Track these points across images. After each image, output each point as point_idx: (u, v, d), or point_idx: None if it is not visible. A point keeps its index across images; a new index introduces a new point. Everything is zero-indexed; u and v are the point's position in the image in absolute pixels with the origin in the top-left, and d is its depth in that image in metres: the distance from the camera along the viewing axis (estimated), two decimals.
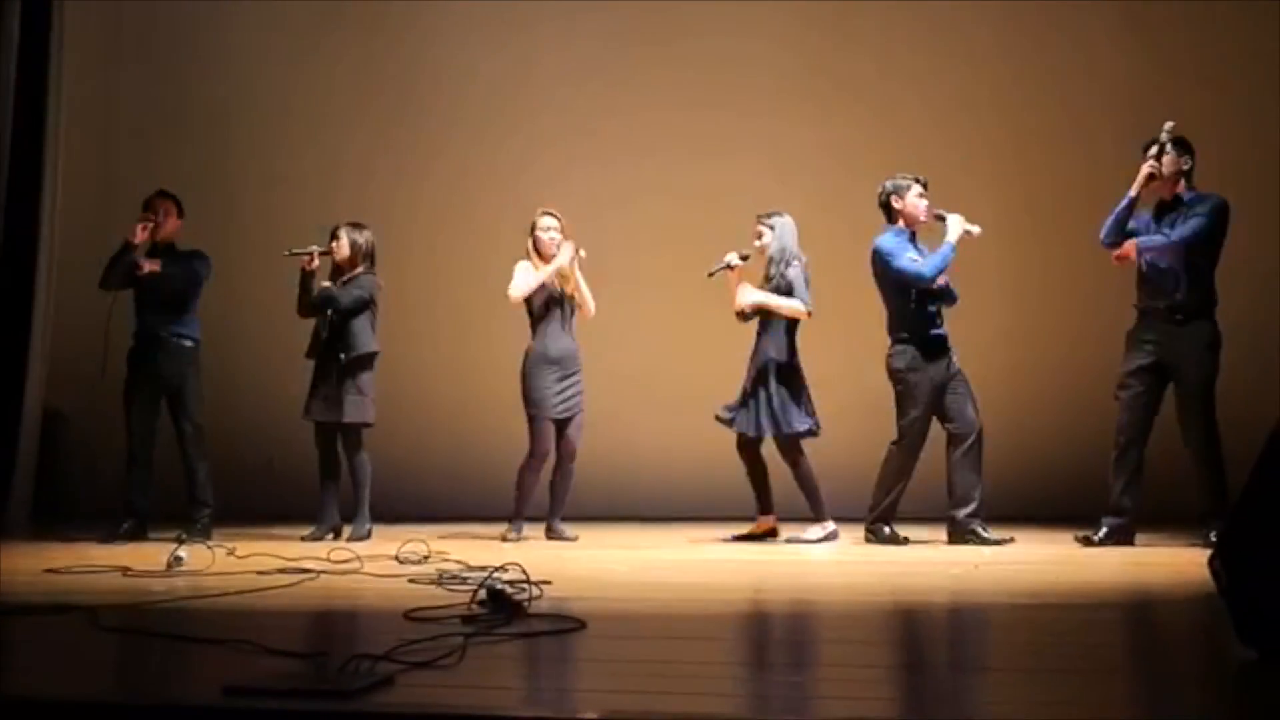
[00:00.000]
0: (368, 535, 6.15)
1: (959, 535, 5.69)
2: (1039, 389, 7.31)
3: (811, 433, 6.02)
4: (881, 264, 5.85)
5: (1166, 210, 5.68)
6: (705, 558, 5.42)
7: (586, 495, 6.51)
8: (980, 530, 5.68)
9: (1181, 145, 5.64)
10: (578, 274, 6.28)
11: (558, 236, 6.26)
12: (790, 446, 6.00)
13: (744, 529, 6.25)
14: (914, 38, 8.07)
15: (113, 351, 6.35)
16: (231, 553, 4.96)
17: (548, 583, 3.83)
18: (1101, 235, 5.67)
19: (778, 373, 6.00)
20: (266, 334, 7.43)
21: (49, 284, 7.65)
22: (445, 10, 8.48)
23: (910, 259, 5.79)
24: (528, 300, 6.23)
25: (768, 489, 6.17)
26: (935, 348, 5.84)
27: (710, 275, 6.22)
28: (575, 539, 6.14)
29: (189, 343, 6.27)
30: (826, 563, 5.33)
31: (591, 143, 8.16)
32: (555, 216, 6.32)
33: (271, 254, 7.56)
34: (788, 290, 6.05)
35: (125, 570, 4.50)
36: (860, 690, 2.53)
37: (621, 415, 7.21)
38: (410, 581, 4.17)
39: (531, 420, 6.16)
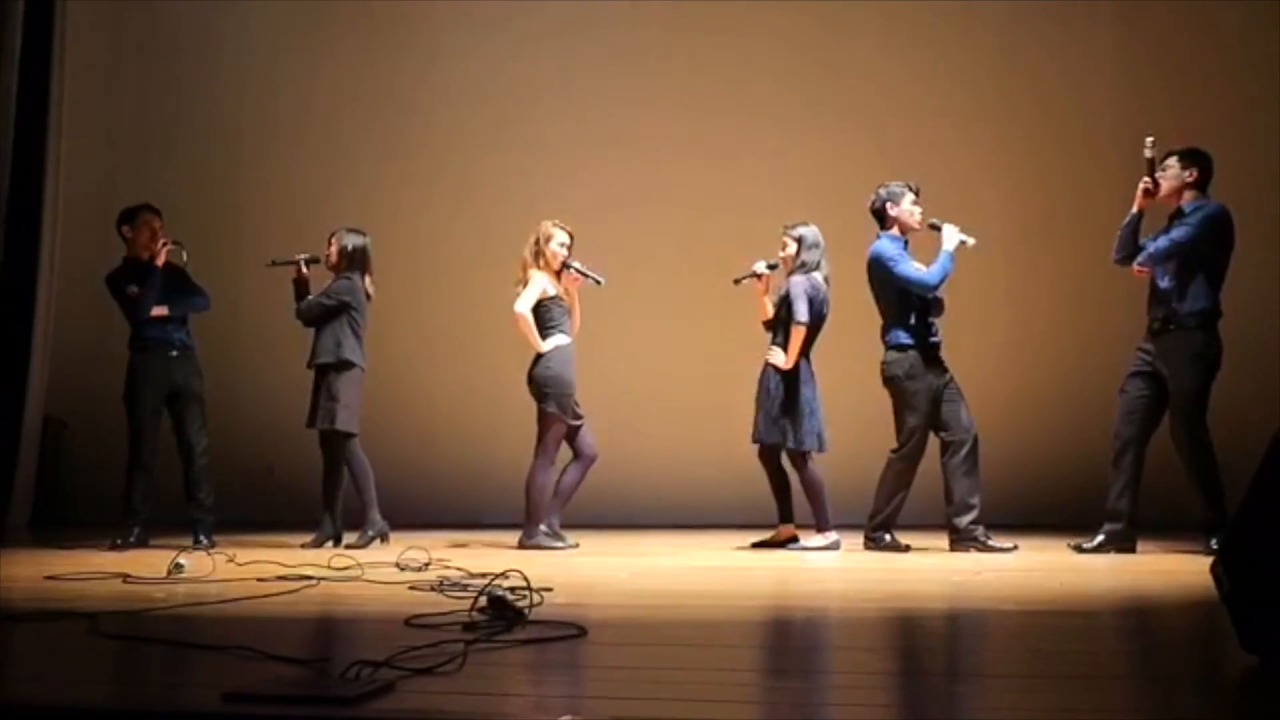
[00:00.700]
0: (373, 539, 6.13)
1: (961, 543, 5.69)
2: (1044, 398, 7.32)
3: (814, 450, 6.02)
4: (883, 270, 5.84)
5: (1172, 221, 5.69)
6: (706, 565, 5.41)
7: (587, 502, 6.50)
8: (983, 538, 5.67)
9: (1189, 156, 5.65)
10: (575, 291, 6.27)
11: (567, 253, 6.23)
12: (796, 455, 6.00)
13: (753, 536, 6.25)
14: (918, 46, 8.09)
15: (113, 357, 6.36)
16: (232, 559, 4.95)
17: (549, 589, 3.82)
18: (1112, 253, 5.68)
19: (790, 384, 5.99)
20: (267, 342, 7.44)
21: (50, 293, 7.67)
22: (448, 20, 8.50)
23: (915, 266, 5.80)
24: (544, 306, 6.17)
25: (788, 497, 6.17)
26: (933, 355, 5.84)
27: (737, 283, 6.22)
28: (576, 545, 6.13)
29: (192, 349, 6.28)
30: (828, 570, 5.32)
31: (595, 152, 8.18)
32: (568, 232, 6.27)
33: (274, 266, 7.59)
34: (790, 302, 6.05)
35: (125, 577, 4.49)
36: (861, 697, 2.53)
37: (624, 422, 7.21)
38: (411, 588, 4.16)
39: (554, 420, 6.12)
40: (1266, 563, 2.63)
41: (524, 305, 6.09)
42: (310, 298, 6.28)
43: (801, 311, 5.98)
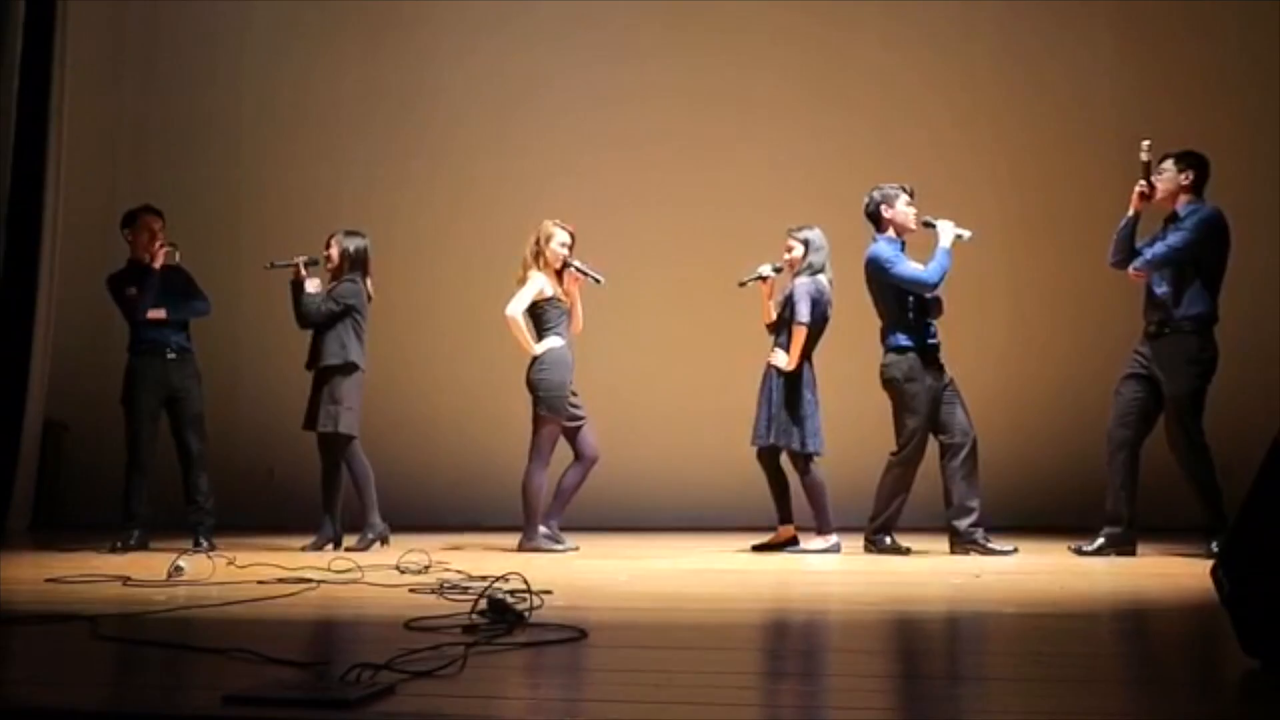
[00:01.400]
0: (373, 541, 6.13)
1: (961, 546, 5.69)
2: (1044, 400, 7.33)
3: (817, 452, 6.02)
4: (879, 272, 5.84)
5: (1168, 225, 5.69)
6: (707, 567, 5.41)
7: (587, 504, 6.50)
8: (983, 541, 5.67)
9: (1185, 159, 5.64)
10: (576, 291, 6.27)
11: (568, 253, 6.23)
12: (800, 457, 6.00)
13: (753, 539, 6.26)
14: (919, 45, 8.11)
15: (113, 360, 6.37)
16: (231, 562, 4.95)
17: (548, 592, 3.82)
18: (1108, 256, 5.67)
19: (793, 386, 5.99)
20: (267, 344, 7.45)
21: (50, 296, 7.68)
22: (447, 21, 8.51)
23: (913, 265, 5.80)
24: (542, 307, 6.18)
25: (788, 498, 6.17)
26: (932, 357, 5.84)
27: (743, 285, 6.22)
28: (576, 548, 6.13)
29: (191, 353, 6.28)
30: (828, 573, 5.32)
31: (595, 151, 8.19)
32: (569, 232, 6.28)
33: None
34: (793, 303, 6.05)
35: (125, 580, 4.50)
36: (861, 700, 2.53)
37: (624, 424, 7.21)
38: (411, 591, 4.16)
39: (547, 422, 6.13)
40: (1267, 566, 2.63)
41: (515, 309, 6.09)
42: (313, 299, 6.27)
43: (804, 313, 5.98)
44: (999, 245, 7.18)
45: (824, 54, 8.18)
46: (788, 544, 6.12)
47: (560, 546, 6.09)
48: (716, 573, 5.22)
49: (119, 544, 6.00)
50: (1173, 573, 4.90)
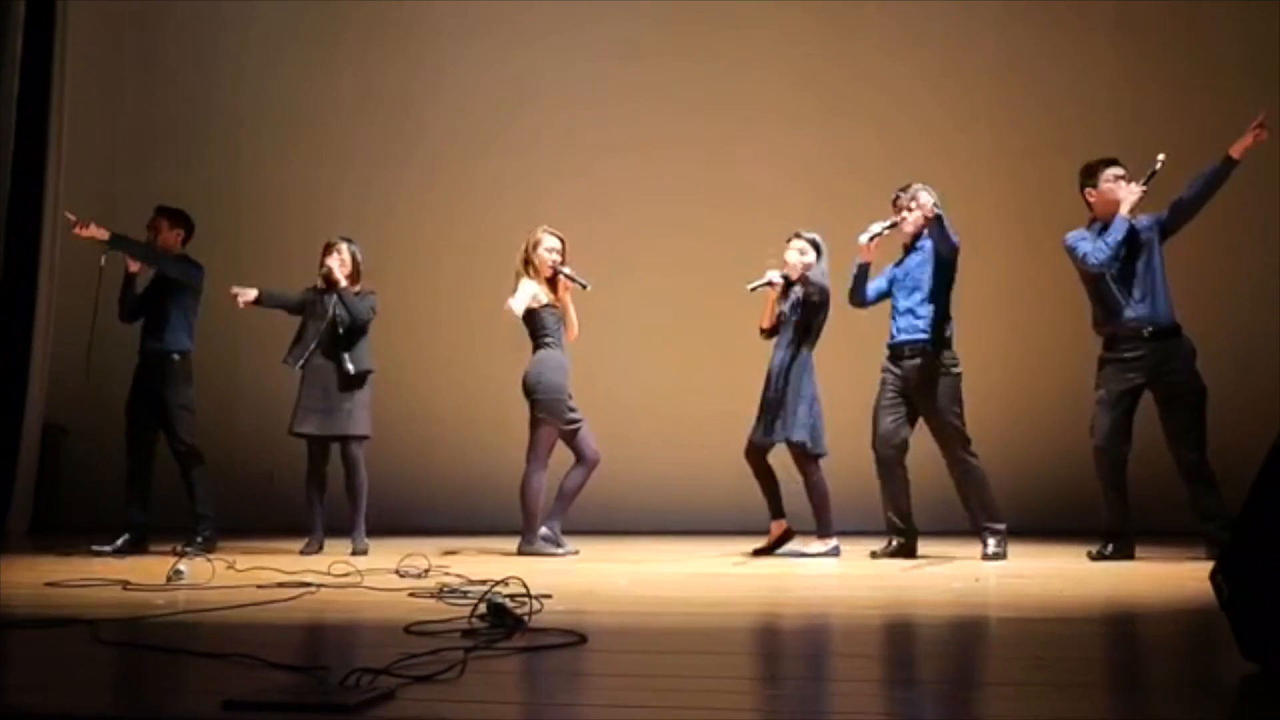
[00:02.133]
0: (366, 550, 6.14)
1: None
2: (1040, 404, 7.32)
3: (824, 453, 6.03)
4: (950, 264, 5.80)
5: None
6: (706, 571, 5.41)
7: (586, 508, 6.50)
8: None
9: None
10: (568, 298, 6.29)
11: (558, 259, 6.25)
12: (806, 458, 6.00)
13: (752, 542, 6.26)
14: (918, 47, 8.12)
15: (113, 363, 6.37)
16: (231, 566, 4.96)
17: (548, 596, 3.82)
18: (1104, 260, 5.63)
19: (797, 385, 5.99)
20: (266, 347, 7.43)
21: (50, 300, 7.68)
22: (444, 23, 8.53)
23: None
24: (538, 315, 6.20)
25: (778, 494, 6.17)
26: None
27: (752, 290, 6.21)
28: (576, 552, 6.14)
29: (175, 355, 6.27)
30: (827, 577, 5.32)
31: (593, 154, 8.20)
32: (558, 238, 6.30)
33: (274, 267, 7.59)
34: (814, 303, 6.04)
35: (125, 584, 4.49)
36: (861, 705, 2.53)
37: (623, 427, 7.21)
38: (410, 595, 4.17)
39: (544, 425, 6.13)
40: (1267, 570, 2.63)
41: (516, 305, 6.13)
42: (354, 304, 6.29)
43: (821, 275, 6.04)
44: (998, 247, 7.18)
45: (824, 56, 8.19)
46: (783, 538, 6.12)
47: (560, 550, 6.09)
48: (717, 576, 5.22)
49: (92, 547, 6.01)
50: (1171, 576, 4.90)
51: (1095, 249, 5.57)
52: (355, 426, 6.26)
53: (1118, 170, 5.68)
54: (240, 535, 6.63)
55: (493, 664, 2.84)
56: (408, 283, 7.78)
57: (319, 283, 6.42)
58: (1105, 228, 5.62)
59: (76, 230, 6.12)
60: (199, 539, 6.08)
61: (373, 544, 6.22)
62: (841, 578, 5.28)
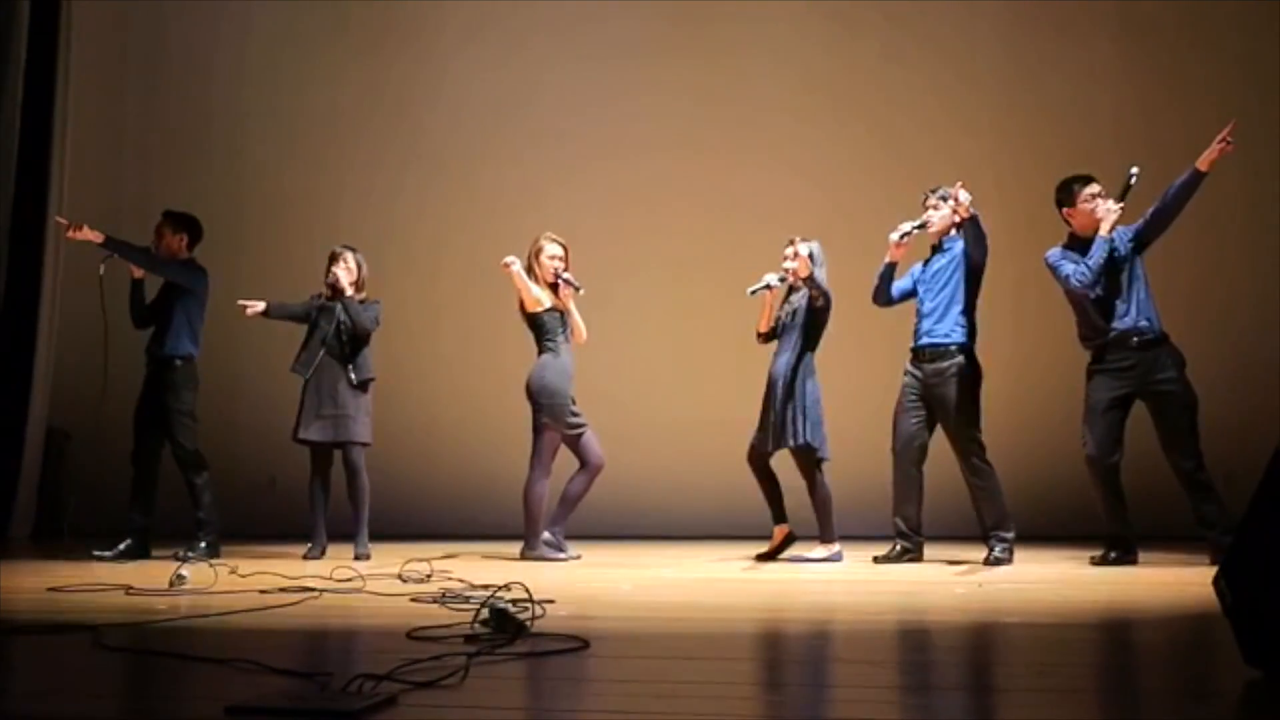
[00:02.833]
0: (368, 555, 6.14)
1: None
2: (1044, 409, 7.31)
3: (827, 459, 6.02)
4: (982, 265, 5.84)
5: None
6: (709, 576, 5.41)
7: (589, 513, 6.50)
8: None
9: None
10: (571, 304, 6.29)
11: (560, 265, 6.26)
12: (810, 463, 5.99)
13: (754, 547, 6.25)
14: (920, 56, 8.13)
15: (117, 368, 6.39)
16: (234, 571, 4.96)
17: (551, 601, 3.82)
18: (1088, 282, 5.61)
19: (800, 390, 5.99)
20: (269, 352, 7.44)
21: (53, 305, 7.69)
22: (446, 26, 8.54)
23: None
24: (540, 317, 6.21)
25: (780, 498, 6.17)
26: None
27: (752, 293, 6.21)
28: (578, 557, 6.14)
29: (177, 361, 6.27)
30: (830, 582, 5.31)
31: (594, 159, 8.21)
32: (561, 244, 6.31)
33: (276, 272, 7.60)
34: (819, 309, 6.05)
35: (128, 589, 4.50)
36: (865, 711, 2.52)
37: (625, 432, 7.20)
38: (413, 600, 4.17)
39: (547, 430, 6.14)
40: (1270, 575, 2.63)
41: (537, 293, 6.18)
42: (361, 313, 6.34)
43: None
44: (1003, 252, 7.14)
45: (828, 60, 8.19)
46: (785, 543, 6.12)
47: (563, 555, 6.09)
48: (719, 582, 5.22)
49: (95, 553, 6.02)
50: (1174, 582, 4.90)
51: (1077, 271, 5.58)
52: (357, 433, 6.29)
53: (1094, 188, 5.69)
54: (243, 540, 6.63)
55: (495, 669, 2.84)
56: (409, 287, 7.78)
57: (325, 291, 6.43)
58: (1085, 244, 5.62)
59: (70, 234, 6.14)
60: (201, 544, 6.09)
61: (375, 549, 6.22)
62: (844, 583, 5.27)
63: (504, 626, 3.29)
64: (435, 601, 4.06)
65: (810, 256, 6.11)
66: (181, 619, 3.79)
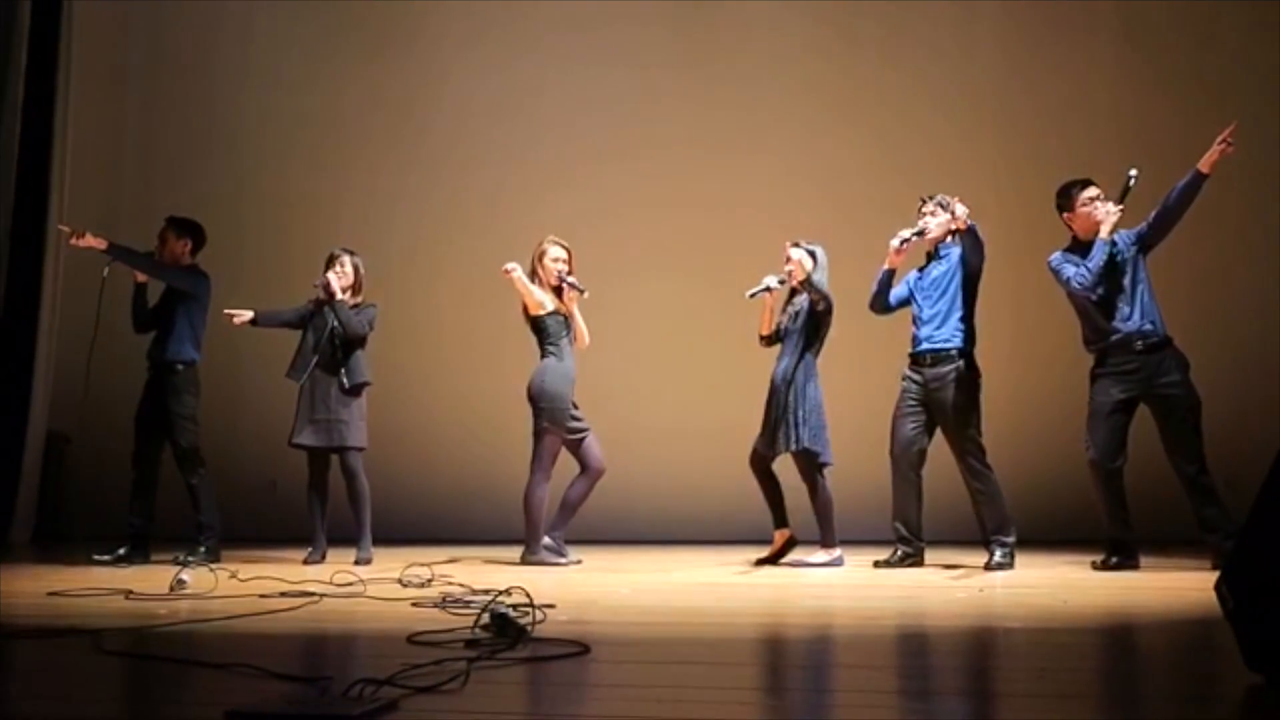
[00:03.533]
0: (370, 558, 6.15)
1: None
2: (1044, 413, 7.32)
3: (830, 463, 6.02)
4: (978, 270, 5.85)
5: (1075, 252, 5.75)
6: (709, 581, 5.40)
7: (589, 517, 6.49)
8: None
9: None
10: (574, 307, 6.29)
11: (564, 269, 6.26)
12: (812, 468, 5.99)
13: (755, 551, 6.25)
14: (918, 61, 8.13)
15: (116, 372, 6.39)
16: (234, 575, 4.95)
17: (552, 606, 3.82)
18: (1089, 284, 5.61)
19: (801, 394, 5.98)
20: (269, 356, 7.44)
21: (54, 309, 7.70)
22: (447, 30, 8.55)
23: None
24: (542, 321, 6.21)
25: (782, 503, 6.16)
26: None
27: (751, 296, 6.20)
28: (579, 561, 6.13)
29: (178, 365, 6.27)
30: (832, 586, 5.31)
31: (595, 162, 8.21)
32: (565, 248, 6.31)
33: (274, 277, 7.60)
34: (820, 312, 6.05)
35: (128, 593, 4.50)
36: (866, 715, 2.52)
37: (625, 436, 7.20)
38: (413, 605, 4.16)
39: (548, 434, 6.14)
40: (1272, 580, 2.63)
41: (540, 296, 6.17)
42: (354, 322, 6.32)
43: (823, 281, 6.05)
44: (1002, 256, 7.15)
45: (826, 66, 8.20)
46: (786, 547, 6.11)
47: (563, 560, 6.09)
48: (720, 586, 5.22)
49: (94, 557, 6.03)
50: (1176, 586, 4.90)
51: (1078, 274, 5.59)
52: (351, 438, 6.27)
53: (1093, 191, 5.71)
54: (243, 544, 6.63)
55: (496, 674, 2.84)
56: (411, 290, 7.79)
57: (320, 294, 6.43)
58: (1087, 248, 5.63)
59: (73, 241, 6.15)
60: (202, 548, 6.09)
61: (376, 553, 6.22)
62: (845, 588, 5.27)
63: (505, 631, 3.29)
64: (436, 606, 4.06)
65: (813, 258, 6.11)
66: (182, 623, 3.79)
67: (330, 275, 6.37)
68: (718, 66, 8.25)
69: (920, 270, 6.03)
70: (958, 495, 5.84)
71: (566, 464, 6.27)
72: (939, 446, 5.87)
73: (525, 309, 6.27)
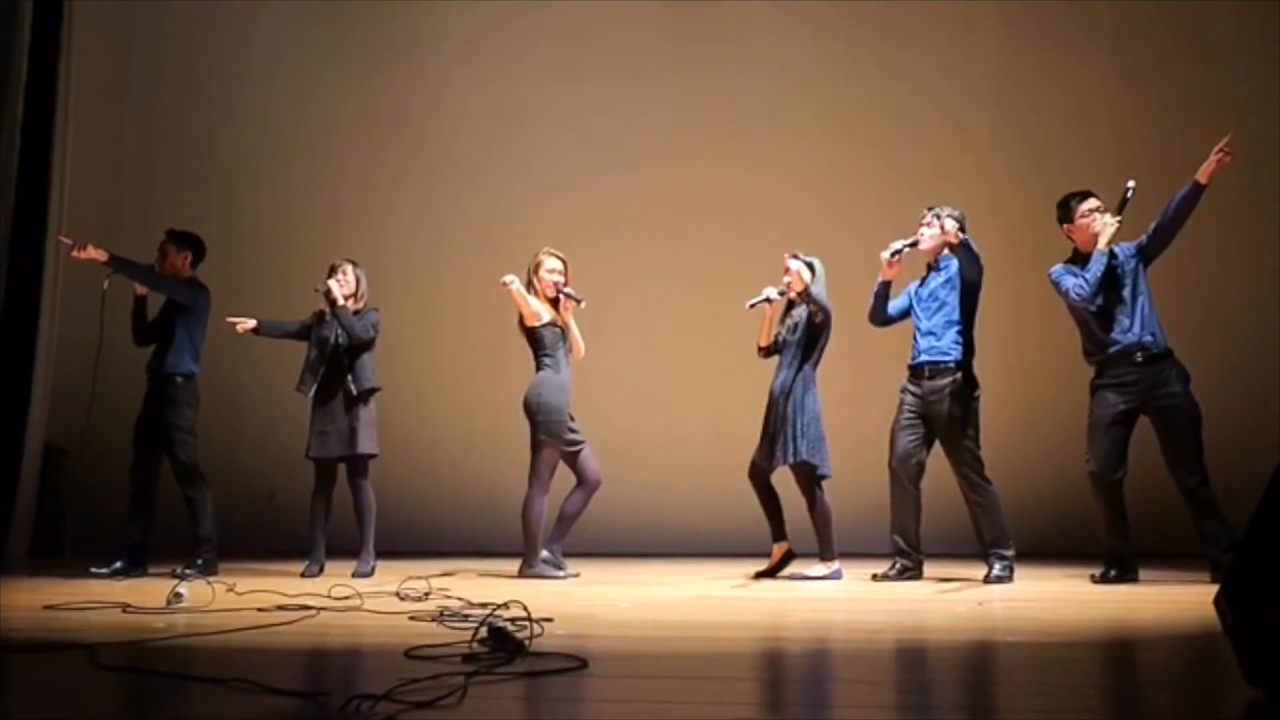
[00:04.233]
0: (371, 571, 6.14)
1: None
2: (1042, 424, 7.32)
3: (828, 476, 6.01)
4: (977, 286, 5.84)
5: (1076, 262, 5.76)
6: (708, 594, 5.39)
7: (587, 530, 6.48)
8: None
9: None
10: (570, 318, 6.29)
11: (560, 279, 6.27)
12: (810, 480, 5.98)
13: (753, 565, 6.23)
14: (918, 73, 8.15)
15: (115, 384, 6.38)
16: (231, 589, 4.94)
17: (549, 620, 3.81)
18: (1088, 294, 5.62)
19: (800, 406, 5.98)
20: (267, 367, 7.44)
21: (52, 321, 7.68)
22: (444, 43, 8.57)
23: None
24: (538, 332, 6.21)
25: (780, 515, 6.15)
26: None
27: (751, 307, 6.20)
28: (577, 575, 6.12)
29: (177, 378, 6.26)
30: (830, 600, 5.30)
31: (592, 174, 8.23)
32: (560, 259, 6.32)
33: (273, 288, 7.60)
34: (818, 324, 6.04)
35: (125, 607, 4.48)
36: None
37: (623, 449, 7.19)
38: (411, 619, 4.15)
39: (545, 447, 6.13)
40: (1271, 594, 2.62)
41: (536, 307, 6.16)
42: (358, 326, 6.33)
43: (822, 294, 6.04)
44: (1002, 268, 7.16)
45: (825, 76, 8.22)
46: (785, 560, 6.10)
47: (561, 573, 6.08)
48: (718, 600, 5.21)
49: (91, 569, 6.02)
50: (1175, 600, 4.89)
51: (1077, 284, 5.61)
52: (361, 445, 6.27)
53: (1092, 203, 5.73)
54: (241, 557, 6.61)
55: (494, 689, 2.83)
56: (407, 301, 7.78)
57: (321, 299, 6.43)
58: (1087, 259, 5.64)
59: (74, 253, 6.15)
60: (199, 561, 6.08)
61: (376, 566, 6.21)
62: (844, 601, 5.26)
63: (502, 645, 3.28)
64: (433, 620, 4.05)
65: (811, 269, 6.11)
66: (179, 637, 3.78)
67: (332, 282, 6.38)
68: (716, 76, 8.26)
69: (920, 281, 6.03)
70: (956, 508, 5.83)
71: (565, 476, 6.26)
72: (938, 459, 5.86)
73: (521, 320, 6.27)
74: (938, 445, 5.84)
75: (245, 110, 8.60)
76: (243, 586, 5.03)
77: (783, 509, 6.15)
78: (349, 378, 6.30)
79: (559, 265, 6.31)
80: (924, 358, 5.84)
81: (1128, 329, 5.61)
